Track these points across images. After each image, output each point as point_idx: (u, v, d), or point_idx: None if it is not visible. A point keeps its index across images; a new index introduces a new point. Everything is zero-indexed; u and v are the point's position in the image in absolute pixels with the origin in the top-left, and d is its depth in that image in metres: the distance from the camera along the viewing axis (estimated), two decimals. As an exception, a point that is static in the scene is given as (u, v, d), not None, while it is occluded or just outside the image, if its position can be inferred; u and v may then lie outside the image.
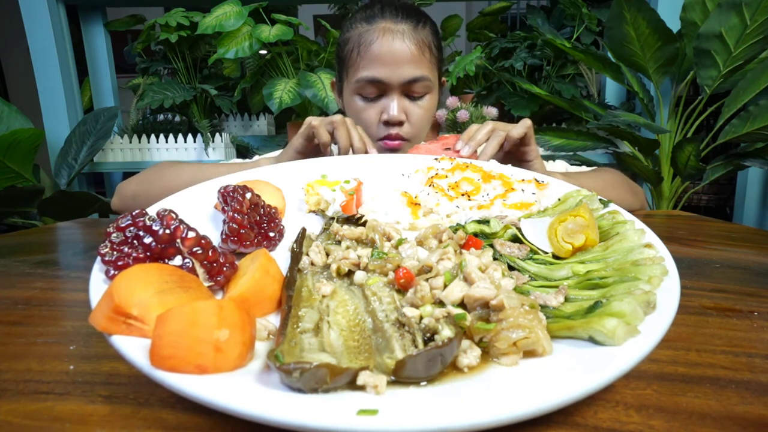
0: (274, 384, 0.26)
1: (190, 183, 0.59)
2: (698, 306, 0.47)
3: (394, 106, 0.93)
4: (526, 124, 0.79)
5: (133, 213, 0.37)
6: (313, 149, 0.83)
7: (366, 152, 0.79)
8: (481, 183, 0.58)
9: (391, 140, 0.95)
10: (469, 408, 0.24)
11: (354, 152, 0.80)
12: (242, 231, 0.44)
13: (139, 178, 0.93)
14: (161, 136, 2.36)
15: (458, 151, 0.77)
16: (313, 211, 0.56)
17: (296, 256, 0.42)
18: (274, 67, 2.27)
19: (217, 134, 2.34)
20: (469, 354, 0.29)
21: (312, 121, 0.80)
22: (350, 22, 1.00)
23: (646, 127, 1.76)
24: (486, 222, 0.48)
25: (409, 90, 0.94)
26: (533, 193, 0.56)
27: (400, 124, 0.94)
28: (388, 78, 0.92)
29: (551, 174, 0.79)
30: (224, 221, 0.44)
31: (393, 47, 0.91)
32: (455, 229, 0.47)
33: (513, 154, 0.82)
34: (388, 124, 0.94)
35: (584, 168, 1.08)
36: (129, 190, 0.91)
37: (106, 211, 2.12)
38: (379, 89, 0.94)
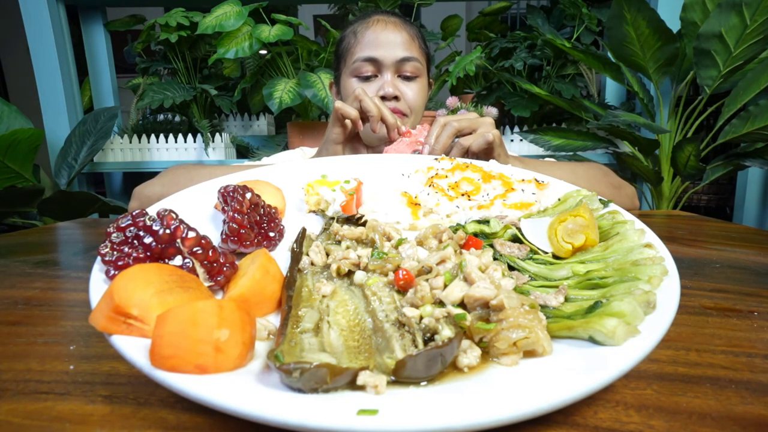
0: (274, 384, 0.26)
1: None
2: (698, 306, 0.47)
3: (388, 82, 1.02)
4: (487, 139, 0.78)
5: (134, 213, 0.37)
6: (349, 135, 0.89)
7: (396, 126, 0.85)
8: (481, 183, 0.58)
9: None
10: (470, 408, 0.24)
11: (388, 126, 0.85)
12: (242, 231, 0.44)
13: (162, 180, 0.90)
14: (161, 136, 2.36)
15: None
16: (313, 211, 0.56)
17: (296, 256, 0.42)
18: (274, 67, 2.27)
19: (217, 134, 2.34)
20: (469, 354, 0.29)
21: (335, 103, 0.85)
22: (347, 26, 1.12)
23: (646, 127, 1.76)
24: (486, 222, 0.48)
25: (401, 70, 1.04)
26: (533, 193, 0.56)
27: (395, 99, 1.02)
28: (383, 57, 1.02)
29: (511, 162, 0.82)
30: (224, 221, 0.44)
31: (387, 31, 1.03)
32: (455, 229, 0.47)
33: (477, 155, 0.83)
34: (384, 99, 1.01)
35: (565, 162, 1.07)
36: (153, 192, 0.89)
37: (106, 211, 2.12)
38: (374, 68, 1.03)
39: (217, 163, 2.33)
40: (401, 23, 1.06)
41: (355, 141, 0.93)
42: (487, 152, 0.80)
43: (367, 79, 1.04)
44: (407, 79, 1.04)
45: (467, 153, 0.80)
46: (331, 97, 1.99)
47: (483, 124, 0.81)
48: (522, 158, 0.92)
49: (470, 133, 0.81)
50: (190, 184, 0.83)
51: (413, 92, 1.04)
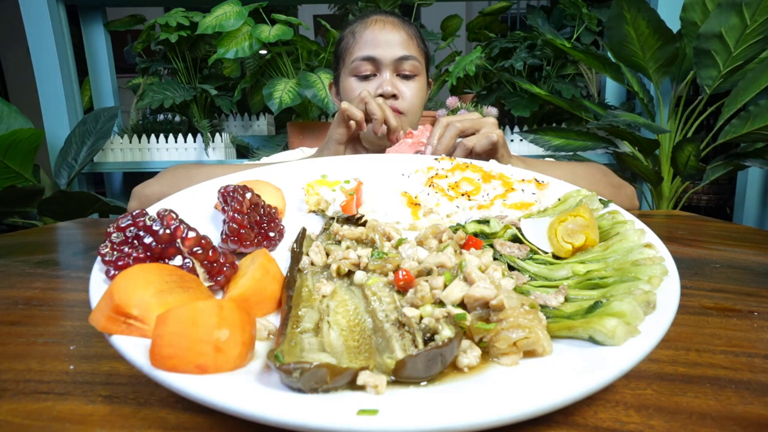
0: (274, 384, 0.26)
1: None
2: (698, 306, 0.47)
3: (387, 81, 1.03)
4: (492, 139, 0.78)
5: (134, 213, 0.37)
6: (352, 136, 0.90)
7: (398, 130, 0.85)
8: (481, 183, 0.58)
9: None
10: (470, 408, 0.24)
11: (390, 129, 0.85)
12: (242, 231, 0.44)
13: (161, 181, 0.90)
14: (161, 136, 2.36)
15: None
16: (313, 211, 0.56)
17: (296, 256, 0.42)
18: (274, 67, 2.27)
19: (217, 134, 2.34)
20: (469, 354, 0.29)
21: (342, 104, 0.86)
22: (346, 26, 1.13)
23: (646, 127, 1.76)
24: (486, 222, 0.48)
25: (399, 68, 1.04)
26: (533, 193, 0.56)
27: (394, 97, 1.03)
28: (381, 56, 1.03)
29: (513, 162, 0.82)
30: (224, 221, 0.44)
31: (385, 30, 1.04)
32: (455, 229, 0.47)
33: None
34: (382, 97, 1.00)
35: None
36: (152, 192, 0.88)
37: (106, 211, 2.12)
38: (373, 67, 1.04)
39: (217, 163, 2.33)
40: (399, 23, 1.07)
41: (355, 142, 0.94)
42: (490, 153, 0.80)
43: (366, 78, 1.04)
44: (406, 77, 1.05)
45: (470, 153, 0.80)
46: (330, 98, 2.00)
47: (486, 124, 0.81)
48: (524, 158, 0.92)
49: (473, 134, 0.81)
50: (190, 184, 0.83)
51: (412, 91, 1.05)
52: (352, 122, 0.86)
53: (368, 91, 0.86)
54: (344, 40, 1.10)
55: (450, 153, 0.80)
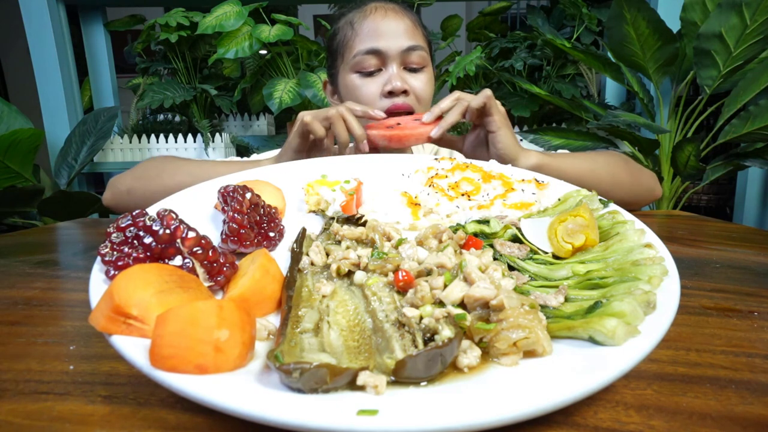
0: (274, 384, 0.26)
1: (188, 182, 0.59)
2: (698, 306, 0.47)
3: (395, 75, 0.92)
4: (486, 93, 0.79)
5: (134, 213, 0.37)
6: (312, 146, 0.82)
7: (365, 138, 0.79)
8: (481, 183, 0.58)
9: (397, 108, 0.92)
10: (470, 408, 0.24)
11: (356, 139, 0.79)
12: (242, 231, 0.44)
13: (134, 173, 0.89)
14: (161, 136, 2.36)
15: (425, 122, 0.81)
16: (313, 211, 0.56)
17: (296, 256, 0.42)
18: (274, 67, 2.27)
19: (217, 134, 2.34)
20: (469, 354, 0.29)
21: (304, 117, 0.77)
22: (340, 16, 1.02)
23: (646, 127, 1.76)
24: (486, 222, 0.48)
25: (407, 61, 0.94)
26: (533, 193, 0.56)
27: (405, 93, 0.92)
28: (387, 47, 0.91)
29: (529, 153, 0.79)
30: (224, 221, 0.44)
31: (387, 19, 0.93)
32: (455, 229, 0.47)
33: (480, 126, 0.83)
34: (391, 94, 0.92)
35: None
36: (123, 184, 0.88)
37: (106, 211, 2.12)
38: (378, 61, 0.93)
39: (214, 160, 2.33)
40: (401, 9, 0.96)
41: (316, 150, 0.85)
42: (484, 113, 0.79)
43: (370, 74, 0.93)
44: (413, 71, 0.95)
45: (466, 113, 0.80)
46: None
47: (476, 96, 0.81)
48: (543, 151, 0.86)
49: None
50: (160, 179, 0.82)
51: (422, 84, 0.95)
52: (311, 136, 0.79)
53: (336, 111, 0.77)
54: (341, 33, 0.98)
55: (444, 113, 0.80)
